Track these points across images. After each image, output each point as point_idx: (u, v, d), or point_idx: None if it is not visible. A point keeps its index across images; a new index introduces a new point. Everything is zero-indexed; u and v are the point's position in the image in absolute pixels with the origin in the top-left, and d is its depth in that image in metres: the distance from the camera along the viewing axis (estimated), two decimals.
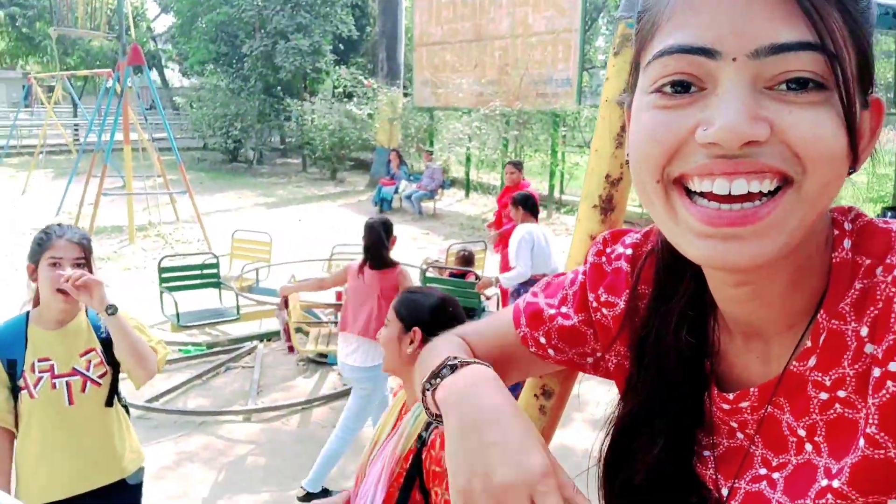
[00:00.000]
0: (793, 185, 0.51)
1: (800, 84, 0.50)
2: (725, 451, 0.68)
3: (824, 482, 0.57)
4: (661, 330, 0.70)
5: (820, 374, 0.58)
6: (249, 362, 5.91)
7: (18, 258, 9.54)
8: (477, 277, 5.94)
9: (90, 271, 2.23)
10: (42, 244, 2.19)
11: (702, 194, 0.53)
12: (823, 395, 0.58)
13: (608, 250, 0.79)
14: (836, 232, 0.60)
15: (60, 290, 2.15)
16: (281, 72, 20.37)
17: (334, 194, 16.47)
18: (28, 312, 2.30)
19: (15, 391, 2.20)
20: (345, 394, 5.24)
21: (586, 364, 0.83)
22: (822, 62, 0.49)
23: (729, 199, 0.52)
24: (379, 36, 18.75)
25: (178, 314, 5.56)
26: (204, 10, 22.51)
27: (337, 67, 19.22)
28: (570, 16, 12.22)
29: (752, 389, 0.64)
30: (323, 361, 5.72)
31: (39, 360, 2.21)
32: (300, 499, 3.87)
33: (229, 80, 21.08)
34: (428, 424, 1.80)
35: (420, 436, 1.78)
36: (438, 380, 0.72)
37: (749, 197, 0.52)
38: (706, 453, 0.70)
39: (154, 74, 30.46)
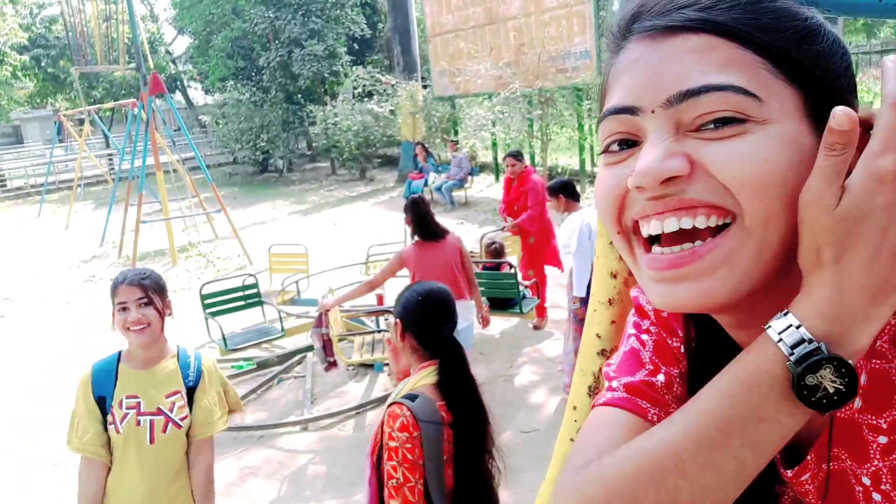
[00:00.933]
0: (735, 220, 0.52)
1: (723, 122, 0.52)
2: None
3: None
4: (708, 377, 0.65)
5: (873, 418, 0.55)
6: (301, 372, 5.99)
7: (68, 292, 9.84)
8: (511, 267, 5.92)
9: (159, 307, 2.37)
10: (112, 292, 2.37)
11: (654, 238, 0.56)
12: (882, 439, 0.55)
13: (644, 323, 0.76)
14: None
15: (129, 329, 2.33)
16: (299, 79, 20.52)
17: (365, 194, 16.57)
18: (119, 353, 2.45)
19: (106, 426, 2.35)
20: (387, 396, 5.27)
21: None
22: (738, 100, 0.51)
23: (675, 240, 0.54)
24: (391, 31, 18.73)
25: (224, 338, 5.65)
26: (217, 27, 22.77)
27: (354, 68, 19.29)
28: None
29: (809, 457, 0.60)
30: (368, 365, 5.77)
31: (127, 397, 2.35)
32: None
33: (250, 93, 21.33)
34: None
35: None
36: None
37: (692, 236, 0.53)
38: None
39: (178, 95, 30.96)
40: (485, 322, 4.85)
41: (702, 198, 0.52)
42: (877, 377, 0.55)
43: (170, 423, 2.36)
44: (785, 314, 0.50)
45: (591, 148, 13.51)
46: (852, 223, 0.47)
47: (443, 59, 15.75)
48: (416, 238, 4.56)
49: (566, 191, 5.20)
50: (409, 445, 1.85)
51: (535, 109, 12.32)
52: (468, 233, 10.81)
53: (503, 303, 5.93)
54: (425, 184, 13.87)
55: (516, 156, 6.91)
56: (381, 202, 15.07)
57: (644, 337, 0.73)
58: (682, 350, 0.70)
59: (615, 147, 0.58)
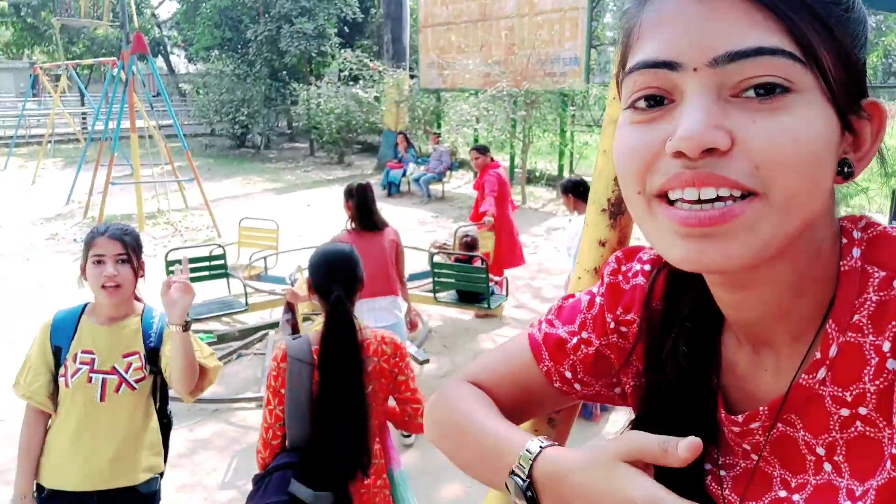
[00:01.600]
0: (757, 196, 0.51)
1: (766, 89, 0.50)
2: (742, 472, 0.66)
3: None
4: (665, 341, 0.70)
5: (839, 389, 0.56)
6: (261, 349, 5.93)
7: (29, 248, 9.60)
8: (482, 262, 5.93)
9: (136, 267, 2.27)
10: (87, 243, 2.24)
11: (680, 200, 0.54)
12: (844, 412, 0.56)
13: (624, 268, 0.77)
14: (845, 240, 0.59)
15: (104, 287, 2.20)
16: (286, 56, 20.27)
17: (342, 178, 16.45)
18: (84, 305, 2.35)
19: (56, 377, 2.27)
20: None
21: (615, 395, 0.80)
22: (787, 66, 0.50)
23: (701, 202, 0.52)
24: (384, 18, 18.61)
25: None
26: None
27: (342, 50, 19.09)
28: None
29: (761, 408, 0.62)
30: None
31: (82, 352, 2.25)
32: None
33: (235, 65, 21.01)
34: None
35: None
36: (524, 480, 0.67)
37: (722, 199, 0.52)
38: (721, 473, 0.68)
39: (160, 61, 30.37)
40: (412, 326, 4.67)
41: (736, 178, 0.51)
42: (849, 351, 0.55)
43: (123, 384, 2.27)
44: (543, 447, 0.66)
45: (571, 154, 13.59)
46: None
47: (433, 50, 15.70)
48: (353, 225, 4.39)
49: (577, 190, 5.09)
50: (275, 374, 2.22)
51: (519, 110, 12.35)
52: (442, 227, 10.82)
53: (472, 296, 5.94)
54: (403, 174, 13.82)
55: (480, 149, 7.02)
56: None
57: (589, 298, 0.79)
58: (621, 326, 0.75)
59: (642, 104, 0.55)
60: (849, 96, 0.53)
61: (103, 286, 2.20)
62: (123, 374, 2.27)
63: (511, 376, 0.82)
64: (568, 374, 0.79)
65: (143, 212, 10.87)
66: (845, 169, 0.55)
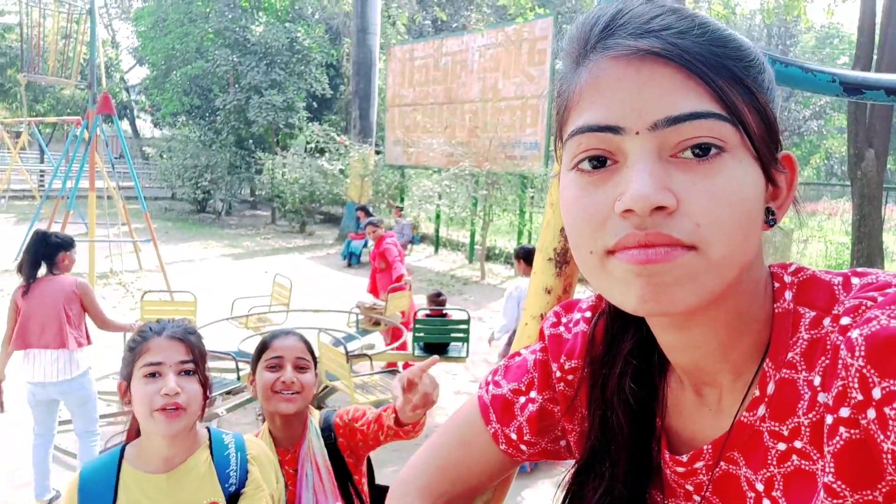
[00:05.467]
0: (697, 250, 0.54)
1: (702, 149, 0.54)
2: None
3: None
4: (609, 380, 0.71)
5: (776, 424, 0.59)
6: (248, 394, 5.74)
7: None
8: (444, 314, 6.41)
9: (204, 383, 1.64)
10: (135, 347, 1.61)
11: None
12: (781, 446, 0.58)
13: (565, 320, 0.80)
14: (777, 284, 0.63)
15: (162, 409, 1.54)
16: (253, 126, 20.52)
17: (302, 247, 16.41)
18: (122, 447, 1.65)
19: None
20: None
21: (561, 449, 0.81)
22: (718, 127, 0.54)
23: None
24: (352, 95, 19.07)
25: None
26: (179, 62, 22.73)
27: (310, 123, 19.43)
28: (538, 82, 12.60)
29: (705, 447, 0.64)
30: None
31: None
32: None
33: (201, 132, 21.13)
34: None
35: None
36: None
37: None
38: None
39: (125, 124, 30.40)
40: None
41: (680, 238, 0.53)
42: (784, 387, 0.58)
43: None
44: None
45: (529, 234, 13.87)
46: None
47: (399, 128, 16.09)
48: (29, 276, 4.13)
49: (528, 258, 5.63)
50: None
51: (481, 189, 12.65)
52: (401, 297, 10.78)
53: (439, 348, 6.20)
54: (364, 245, 13.87)
55: (375, 223, 7.53)
56: (318, 257, 14.94)
57: (533, 357, 0.81)
58: (567, 375, 0.77)
59: (587, 165, 0.58)
60: (769, 149, 0.58)
61: (161, 408, 1.54)
62: None
63: (459, 448, 0.84)
64: (513, 436, 0.80)
65: (95, 272, 10.63)
66: (769, 217, 0.59)
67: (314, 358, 1.97)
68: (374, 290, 7.47)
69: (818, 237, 13.56)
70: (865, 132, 9.36)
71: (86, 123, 11.29)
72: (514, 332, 5.49)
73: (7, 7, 30.08)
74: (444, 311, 6.55)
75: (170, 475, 1.59)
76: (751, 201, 0.55)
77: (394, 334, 6.88)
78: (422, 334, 6.08)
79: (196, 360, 1.62)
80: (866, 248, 9.37)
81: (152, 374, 1.56)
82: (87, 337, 4.18)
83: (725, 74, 0.55)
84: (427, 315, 6.46)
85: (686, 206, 0.53)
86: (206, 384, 1.64)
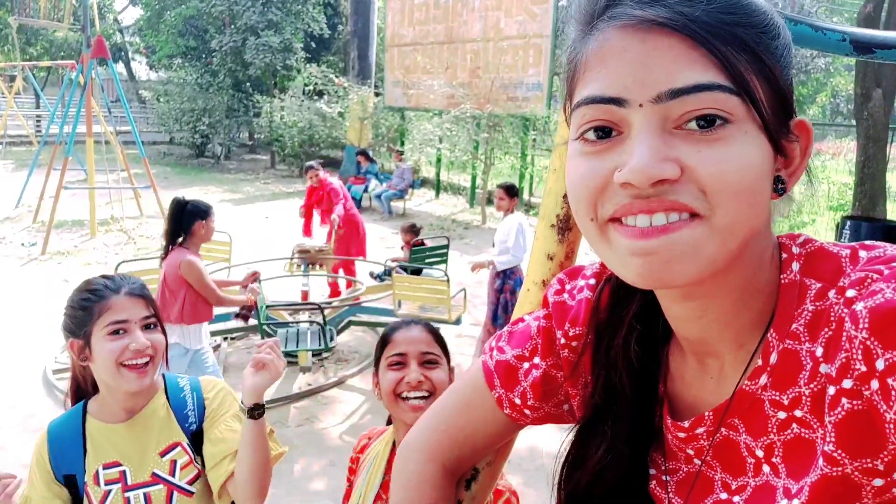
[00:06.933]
0: (702, 217, 0.55)
1: (707, 121, 0.54)
2: (685, 476, 0.70)
3: (784, 503, 0.58)
4: (613, 341, 0.73)
5: (777, 394, 0.60)
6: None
7: None
8: (422, 243, 6.91)
9: (164, 329, 1.69)
10: (90, 306, 1.59)
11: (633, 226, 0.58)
12: (781, 415, 0.59)
13: (569, 286, 0.80)
14: (784, 255, 0.63)
15: (129, 366, 1.57)
16: (251, 68, 20.16)
17: (303, 191, 16.33)
18: (84, 403, 1.68)
19: None
20: (311, 393, 5.23)
21: (564, 413, 0.82)
22: (724, 99, 0.54)
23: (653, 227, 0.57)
24: (351, 35, 18.68)
25: None
26: (172, 3, 22.19)
27: (308, 65, 19.08)
28: (541, 21, 12.31)
29: (706, 413, 0.65)
30: (291, 361, 5.70)
31: (105, 467, 1.62)
32: None
33: (198, 74, 20.81)
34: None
35: None
36: None
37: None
38: (665, 478, 0.72)
39: (120, 67, 29.90)
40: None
41: (685, 202, 0.54)
42: (787, 357, 0.59)
43: (174, 492, 1.64)
44: None
45: (531, 177, 13.80)
46: None
47: (398, 70, 15.80)
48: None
49: (512, 192, 5.83)
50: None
51: (482, 132, 12.51)
52: (401, 243, 10.81)
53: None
54: (365, 190, 13.83)
55: (316, 168, 7.85)
56: None
57: (537, 324, 0.82)
58: (571, 342, 0.78)
59: (591, 135, 0.58)
60: (779, 119, 0.57)
61: (127, 365, 1.57)
62: (170, 478, 1.64)
63: (465, 419, 0.85)
64: (517, 401, 0.81)
65: (96, 218, 10.63)
66: (778, 185, 0.59)
67: (446, 350, 1.66)
68: (308, 234, 7.99)
69: (822, 178, 13.47)
70: (874, 71, 9.18)
71: (80, 67, 11.11)
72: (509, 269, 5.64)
73: None
74: (422, 240, 7.19)
75: (131, 423, 1.64)
76: (757, 171, 0.55)
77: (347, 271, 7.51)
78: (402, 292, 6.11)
79: (157, 313, 1.66)
80: (869, 189, 9.30)
81: (116, 332, 1.57)
82: (186, 315, 4.01)
83: (734, 43, 0.55)
84: (406, 246, 7.08)
85: (691, 173, 0.54)
86: (164, 332, 1.68)
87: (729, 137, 0.54)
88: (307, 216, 8.03)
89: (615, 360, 0.72)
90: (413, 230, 7.69)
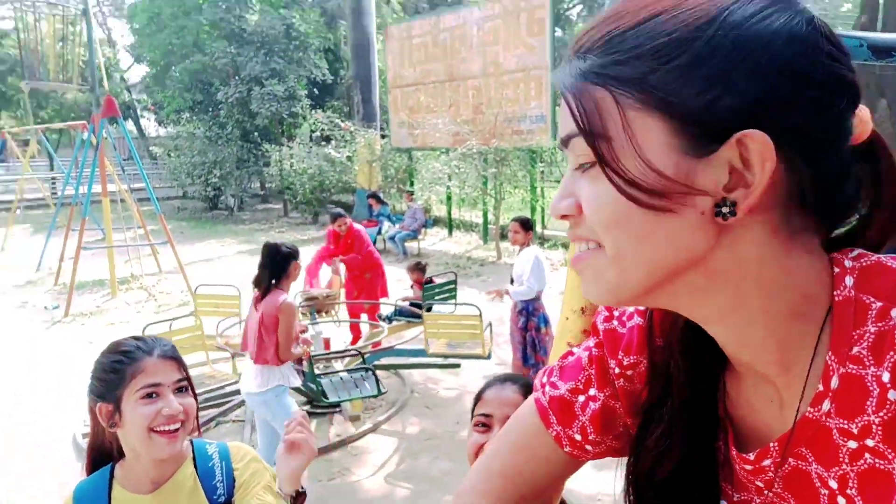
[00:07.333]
0: (601, 247, 0.60)
1: (581, 164, 0.60)
2: None
3: None
4: (669, 367, 0.71)
5: (845, 422, 0.57)
6: (240, 416, 5.84)
7: None
8: (431, 280, 7.13)
9: (194, 395, 1.63)
10: (122, 369, 1.54)
11: None
12: (852, 444, 0.56)
13: (617, 313, 0.79)
14: (837, 269, 0.59)
15: (160, 432, 1.53)
16: (257, 118, 20.49)
17: (318, 238, 16.44)
18: (111, 467, 1.63)
19: None
20: (340, 444, 5.21)
21: (626, 445, 0.79)
22: (582, 144, 0.58)
23: None
24: (353, 79, 18.97)
25: None
26: (177, 59, 22.68)
27: (313, 111, 19.37)
28: (538, 53, 12.48)
29: (771, 444, 0.63)
30: (319, 412, 5.69)
31: None
32: None
33: (206, 127, 21.13)
34: None
35: None
36: None
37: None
38: None
39: (130, 125, 30.44)
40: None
41: (582, 234, 0.61)
42: (850, 382, 0.56)
43: None
44: None
45: (543, 210, 13.85)
46: None
47: (402, 110, 16.02)
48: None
49: (528, 226, 5.88)
50: None
51: (490, 167, 12.61)
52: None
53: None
54: (378, 232, 13.91)
55: (346, 216, 7.78)
56: None
57: (588, 354, 0.80)
58: (626, 370, 0.75)
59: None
60: (691, 144, 0.54)
61: (158, 430, 1.52)
62: None
63: (521, 453, 0.82)
64: (577, 437, 0.78)
65: (116, 277, 10.76)
66: (724, 209, 0.55)
67: None
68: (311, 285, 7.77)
69: None
70: (877, 81, 9.22)
71: (91, 127, 11.34)
72: (529, 302, 5.68)
73: (2, 13, 30.09)
74: (430, 277, 7.47)
75: (157, 494, 1.58)
76: (614, 208, 0.57)
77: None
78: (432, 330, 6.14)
79: (188, 376, 1.62)
80: None
81: (149, 395, 1.52)
82: (282, 352, 4.15)
83: (613, 84, 0.56)
84: (416, 285, 7.24)
85: (584, 210, 0.60)
86: (196, 395, 1.64)
87: (597, 176, 0.58)
88: (316, 267, 7.90)
89: (672, 387, 0.70)
90: (419, 268, 7.82)
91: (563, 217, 0.61)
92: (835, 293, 0.58)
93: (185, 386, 1.59)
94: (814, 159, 0.56)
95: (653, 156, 0.55)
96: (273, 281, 4.20)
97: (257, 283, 4.25)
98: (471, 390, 6.40)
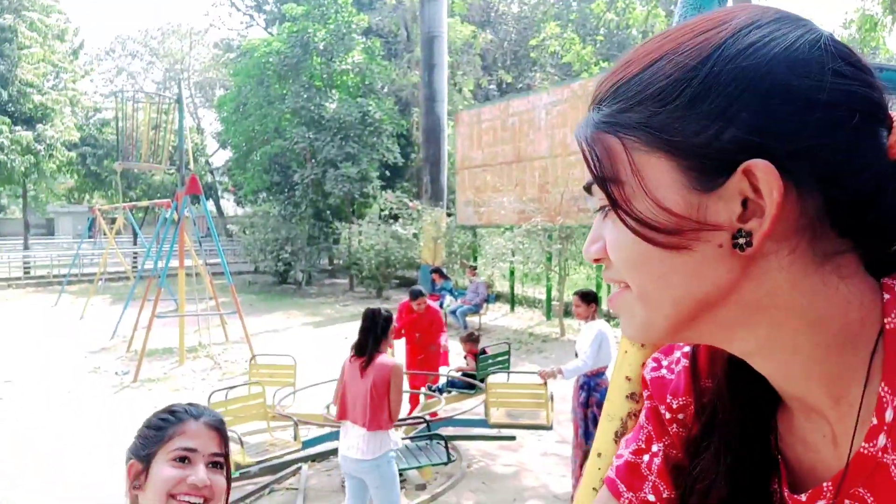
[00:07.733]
0: (628, 287, 0.60)
1: (603, 208, 0.61)
2: None
3: None
4: (718, 404, 0.68)
5: None
6: (294, 484, 5.76)
7: (71, 381, 9.74)
8: (484, 351, 6.95)
9: (228, 477, 1.50)
10: (165, 427, 1.46)
11: None
12: None
13: (665, 362, 0.77)
14: (887, 296, 0.57)
15: (176, 498, 1.40)
16: (330, 197, 21.24)
17: None
18: None
19: None
20: None
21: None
22: (601, 188, 0.59)
23: None
24: (423, 162, 19.54)
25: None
26: (259, 143, 23.94)
27: (383, 192, 19.95)
28: None
29: (825, 485, 0.59)
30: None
31: None
32: None
33: (281, 206, 22.03)
34: None
35: None
36: None
37: None
38: None
39: (210, 204, 32.04)
40: None
41: (612, 276, 0.62)
42: None
43: None
44: None
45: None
46: None
47: (469, 190, 16.30)
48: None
49: (590, 298, 5.73)
50: None
51: (554, 244, 12.55)
52: None
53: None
54: (440, 306, 13.91)
55: (425, 295, 7.77)
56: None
57: (645, 411, 0.78)
58: (677, 414, 0.73)
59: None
60: (698, 181, 0.54)
61: (180, 500, 1.39)
62: None
63: None
64: (651, 498, 0.73)
65: (185, 345, 11.04)
66: (740, 241, 0.53)
67: None
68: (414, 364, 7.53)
69: None
70: None
71: (175, 204, 11.96)
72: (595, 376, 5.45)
73: (104, 104, 32.74)
74: (484, 348, 7.41)
75: None
76: (631, 249, 0.58)
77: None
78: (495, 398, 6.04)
79: (226, 454, 1.50)
80: None
81: (182, 459, 1.42)
82: (393, 416, 4.16)
83: (622, 130, 0.57)
84: (470, 356, 7.25)
85: (608, 252, 0.61)
86: (230, 479, 1.51)
87: (615, 219, 0.58)
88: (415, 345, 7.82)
89: (723, 425, 0.67)
90: (472, 339, 7.81)
91: (596, 261, 0.63)
92: (885, 320, 0.55)
93: (220, 462, 1.47)
94: (830, 181, 0.53)
95: (662, 195, 0.55)
96: (376, 344, 4.23)
97: (360, 347, 4.26)
98: (529, 468, 6.14)
